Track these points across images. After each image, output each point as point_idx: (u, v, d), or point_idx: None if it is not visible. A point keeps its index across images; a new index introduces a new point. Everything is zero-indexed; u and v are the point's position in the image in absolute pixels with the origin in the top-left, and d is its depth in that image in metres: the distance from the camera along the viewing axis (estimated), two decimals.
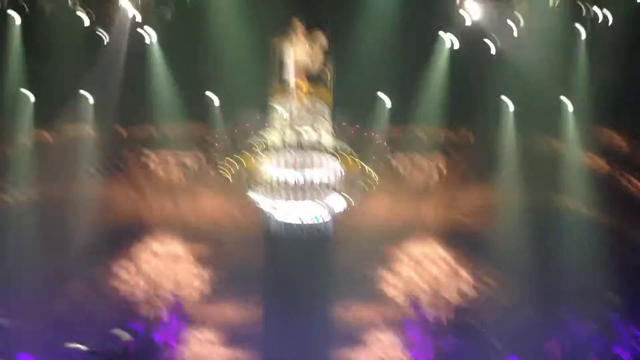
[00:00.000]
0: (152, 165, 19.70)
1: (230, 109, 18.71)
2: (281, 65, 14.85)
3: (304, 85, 14.55)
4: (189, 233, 19.56)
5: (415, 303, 19.04)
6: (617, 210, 18.74)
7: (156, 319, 19.08)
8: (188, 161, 19.55)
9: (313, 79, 15.09)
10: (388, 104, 19.03)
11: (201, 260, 19.51)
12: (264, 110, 14.73)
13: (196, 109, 19.11)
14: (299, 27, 15.34)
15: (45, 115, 18.97)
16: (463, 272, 19.39)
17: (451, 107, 18.98)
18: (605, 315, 17.86)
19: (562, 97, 19.15)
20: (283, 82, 14.62)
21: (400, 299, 19.50)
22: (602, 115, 18.59)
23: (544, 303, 18.59)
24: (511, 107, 19.36)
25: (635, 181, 19.03)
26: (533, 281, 18.53)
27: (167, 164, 19.71)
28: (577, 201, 19.07)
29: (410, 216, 19.58)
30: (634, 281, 17.87)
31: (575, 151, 19.34)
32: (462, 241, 19.41)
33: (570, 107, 19.28)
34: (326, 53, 15.44)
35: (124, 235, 19.36)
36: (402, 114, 19.00)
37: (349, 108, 16.87)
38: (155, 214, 19.65)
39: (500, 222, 19.15)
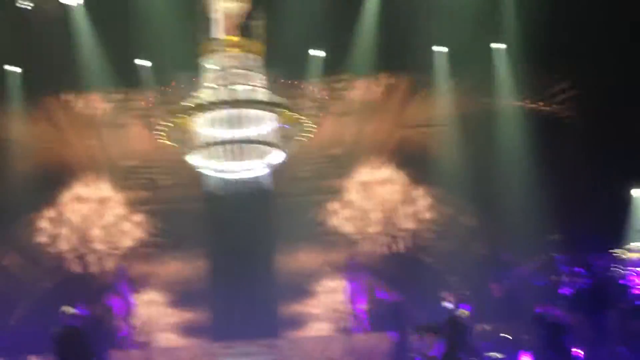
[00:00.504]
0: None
1: (162, 71, 18.49)
2: (210, 20, 14.45)
3: (235, 40, 14.16)
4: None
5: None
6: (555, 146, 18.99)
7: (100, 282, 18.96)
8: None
9: (244, 31, 14.67)
10: (321, 55, 18.97)
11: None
12: (196, 69, 14.40)
13: (127, 75, 18.83)
14: None
15: None
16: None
17: (384, 55, 18.97)
18: (547, 252, 18.20)
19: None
20: (213, 38, 14.28)
21: (352, 232, 19.89)
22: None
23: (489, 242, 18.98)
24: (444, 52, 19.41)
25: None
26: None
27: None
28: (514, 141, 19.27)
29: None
30: (574, 218, 18.19)
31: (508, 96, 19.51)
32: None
33: (501, 50, 19.41)
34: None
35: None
36: (335, 64, 18.97)
37: (282, 61, 16.73)
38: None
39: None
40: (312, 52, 18.97)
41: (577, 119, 19.25)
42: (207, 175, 14.59)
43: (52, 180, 19.63)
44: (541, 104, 19.89)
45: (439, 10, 18.22)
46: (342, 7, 18.26)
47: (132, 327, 18.68)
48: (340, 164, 20.43)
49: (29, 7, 18.06)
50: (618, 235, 17.89)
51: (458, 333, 12.87)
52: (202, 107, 13.77)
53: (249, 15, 14.67)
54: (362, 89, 20.22)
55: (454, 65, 19.40)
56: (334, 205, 20.47)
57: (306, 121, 14.56)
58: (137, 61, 18.80)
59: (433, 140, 19.84)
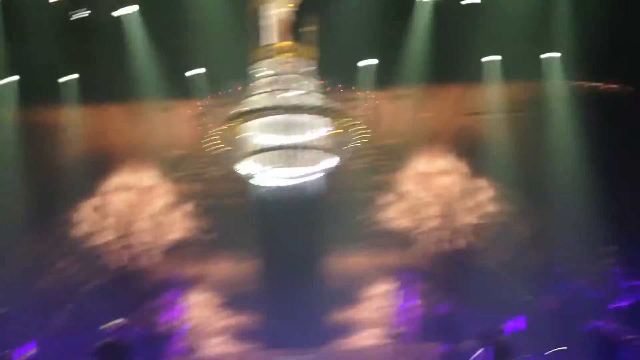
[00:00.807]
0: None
1: (215, 80, 18.60)
2: (262, 26, 14.51)
3: (287, 44, 14.23)
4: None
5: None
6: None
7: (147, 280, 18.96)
8: None
9: (296, 37, 14.74)
10: (373, 65, 18.95)
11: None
12: (249, 75, 14.45)
13: (180, 84, 18.92)
14: None
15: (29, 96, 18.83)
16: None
17: (435, 64, 18.90)
18: (603, 264, 17.89)
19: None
20: (265, 44, 14.33)
21: (407, 227, 19.58)
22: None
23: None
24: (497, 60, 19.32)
25: None
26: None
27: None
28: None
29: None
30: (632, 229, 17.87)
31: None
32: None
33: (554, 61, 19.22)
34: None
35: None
36: (387, 73, 18.94)
37: (333, 71, 16.70)
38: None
39: None
40: (363, 62, 18.94)
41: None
42: (258, 181, 14.54)
43: (98, 168, 19.62)
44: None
45: (490, 20, 18.16)
46: (392, 18, 18.27)
47: (181, 333, 18.64)
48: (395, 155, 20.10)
49: (85, 15, 18.36)
50: None
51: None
52: (254, 113, 13.76)
53: (301, 22, 14.74)
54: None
55: (506, 75, 19.27)
56: (388, 199, 20.05)
57: (360, 126, 14.47)
58: (191, 72, 18.94)
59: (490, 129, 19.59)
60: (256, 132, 13.95)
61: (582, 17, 17.88)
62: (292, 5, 14.80)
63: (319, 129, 14.08)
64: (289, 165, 13.94)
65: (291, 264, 18.64)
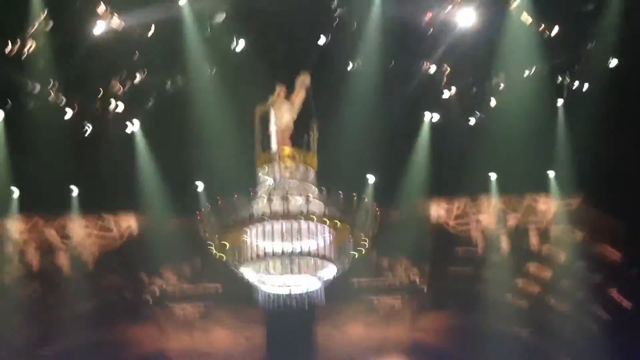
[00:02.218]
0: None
1: (217, 190, 18.69)
2: (264, 133, 14.51)
3: (289, 150, 14.19)
4: None
5: None
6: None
7: None
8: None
9: (298, 144, 14.64)
10: (373, 181, 19.25)
11: None
12: (251, 180, 14.51)
13: (183, 198, 19.09)
14: (281, 90, 14.75)
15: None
16: None
17: (436, 182, 19.19)
18: None
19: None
20: (267, 150, 14.33)
21: None
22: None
23: None
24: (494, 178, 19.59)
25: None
26: None
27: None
28: None
29: None
30: None
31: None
32: None
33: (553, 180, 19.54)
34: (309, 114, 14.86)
35: None
36: (387, 190, 19.15)
37: (335, 181, 16.80)
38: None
39: None
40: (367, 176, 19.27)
41: None
42: (258, 288, 14.37)
43: None
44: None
45: (490, 138, 18.48)
46: (397, 135, 18.66)
47: None
48: None
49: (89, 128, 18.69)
50: None
51: None
52: (255, 219, 13.72)
53: (303, 129, 14.82)
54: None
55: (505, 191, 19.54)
56: None
57: (361, 235, 14.35)
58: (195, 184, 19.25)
59: None
60: (257, 239, 13.75)
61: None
62: (295, 112, 14.87)
63: (319, 237, 13.87)
64: (289, 273, 13.69)
65: None
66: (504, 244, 19.76)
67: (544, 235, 19.80)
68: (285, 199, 13.70)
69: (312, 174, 14.33)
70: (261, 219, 13.67)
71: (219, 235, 14.35)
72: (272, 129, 14.38)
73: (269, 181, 14.07)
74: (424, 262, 19.89)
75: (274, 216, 13.62)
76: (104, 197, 18.95)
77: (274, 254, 13.65)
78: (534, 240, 19.78)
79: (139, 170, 19.07)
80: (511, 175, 19.13)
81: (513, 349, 18.71)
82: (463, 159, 18.73)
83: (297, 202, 13.80)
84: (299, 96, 14.52)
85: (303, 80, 14.58)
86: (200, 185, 19.36)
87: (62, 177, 18.50)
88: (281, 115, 14.51)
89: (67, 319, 18.66)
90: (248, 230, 13.81)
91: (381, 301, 20.08)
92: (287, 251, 13.61)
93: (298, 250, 13.63)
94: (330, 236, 13.90)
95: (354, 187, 18.31)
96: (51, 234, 19.42)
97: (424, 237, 19.82)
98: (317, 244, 13.74)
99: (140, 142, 19.05)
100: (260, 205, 13.82)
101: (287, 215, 13.62)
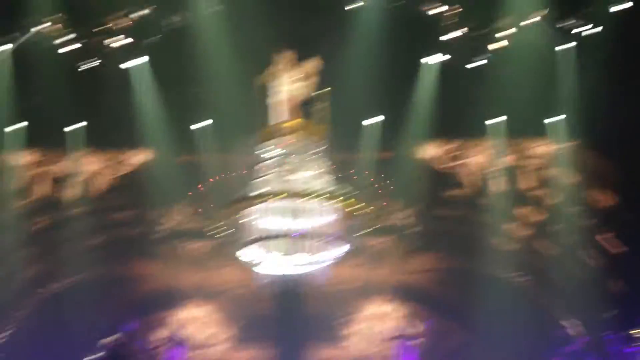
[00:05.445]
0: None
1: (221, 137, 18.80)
2: (270, 106, 14.38)
3: (296, 124, 14.00)
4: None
5: None
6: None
7: None
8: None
9: (306, 112, 14.59)
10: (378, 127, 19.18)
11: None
12: (255, 158, 14.45)
13: (186, 138, 19.16)
14: (289, 57, 14.59)
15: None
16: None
17: (439, 124, 19.17)
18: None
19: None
20: (273, 125, 14.23)
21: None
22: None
23: None
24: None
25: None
26: None
27: None
28: None
29: None
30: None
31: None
32: None
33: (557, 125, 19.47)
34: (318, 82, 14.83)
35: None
36: (392, 135, 19.17)
37: (342, 137, 16.78)
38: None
39: None
40: (368, 121, 19.12)
41: None
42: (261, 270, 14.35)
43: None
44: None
45: (495, 82, 18.39)
46: (399, 76, 18.49)
47: None
48: None
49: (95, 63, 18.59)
50: None
51: None
52: (258, 198, 13.59)
53: (311, 99, 14.64)
54: None
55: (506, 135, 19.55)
56: None
57: (366, 208, 14.29)
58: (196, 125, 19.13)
59: None
60: (261, 216, 13.66)
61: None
62: (303, 80, 14.61)
63: (325, 214, 13.77)
64: (293, 253, 13.64)
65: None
66: (499, 186, 19.67)
67: (539, 178, 19.84)
68: (290, 176, 13.59)
69: (319, 147, 14.12)
70: (266, 198, 13.54)
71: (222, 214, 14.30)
72: (278, 102, 14.13)
73: (274, 157, 13.87)
74: (416, 204, 19.70)
75: (279, 195, 13.49)
76: (112, 133, 18.89)
77: (278, 234, 13.56)
78: (529, 183, 19.85)
79: (147, 106, 18.93)
80: (513, 119, 19.11)
81: (502, 293, 18.86)
82: (464, 102, 18.52)
83: (303, 179, 13.66)
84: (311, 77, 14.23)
85: (315, 66, 14.27)
86: (208, 123, 19.22)
87: (70, 112, 18.47)
88: (287, 85, 14.17)
89: (75, 255, 18.86)
90: (252, 210, 13.67)
91: (369, 242, 19.67)
92: (292, 231, 13.53)
93: (303, 229, 13.54)
94: (337, 212, 13.76)
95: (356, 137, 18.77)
96: (59, 168, 19.50)
97: (418, 179, 19.63)
98: (323, 222, 13.66)
99: (147, 77, 18.85)
100: (265, 184, 13.69)
101: (292, 195, 13.47)
